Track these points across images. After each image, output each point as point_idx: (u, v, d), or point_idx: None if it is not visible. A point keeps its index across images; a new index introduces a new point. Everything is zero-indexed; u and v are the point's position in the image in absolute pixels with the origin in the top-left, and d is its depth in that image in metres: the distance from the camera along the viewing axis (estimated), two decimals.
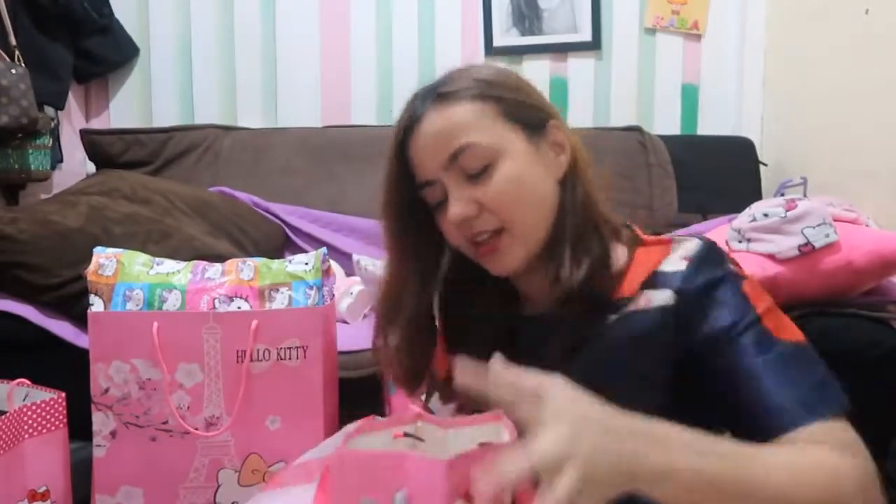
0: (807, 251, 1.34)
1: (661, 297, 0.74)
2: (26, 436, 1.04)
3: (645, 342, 0.73)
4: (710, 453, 0.56)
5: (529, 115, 0.80)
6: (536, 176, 0.78)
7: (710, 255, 0.75)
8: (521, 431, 0.57)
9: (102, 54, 2.29)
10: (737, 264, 0.77)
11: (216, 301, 1.14)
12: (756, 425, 0.66)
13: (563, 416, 0.52)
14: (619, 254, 0.80)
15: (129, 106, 2.40)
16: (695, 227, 1.87)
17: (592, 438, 0.51)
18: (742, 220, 1.47)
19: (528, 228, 0.78)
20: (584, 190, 0.80)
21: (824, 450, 0.62)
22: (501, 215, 0.77)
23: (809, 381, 0.67)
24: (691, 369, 0.72)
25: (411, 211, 0.83)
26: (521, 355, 0.63)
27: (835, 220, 1.39)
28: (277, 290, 1.16)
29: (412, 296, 0.84)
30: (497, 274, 0.80)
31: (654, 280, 0.75)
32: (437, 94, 0.79)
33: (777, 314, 0.72)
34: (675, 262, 0.75)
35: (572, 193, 0.80)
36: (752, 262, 1.35)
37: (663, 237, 0.81)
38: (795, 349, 0.69)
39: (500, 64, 0.83)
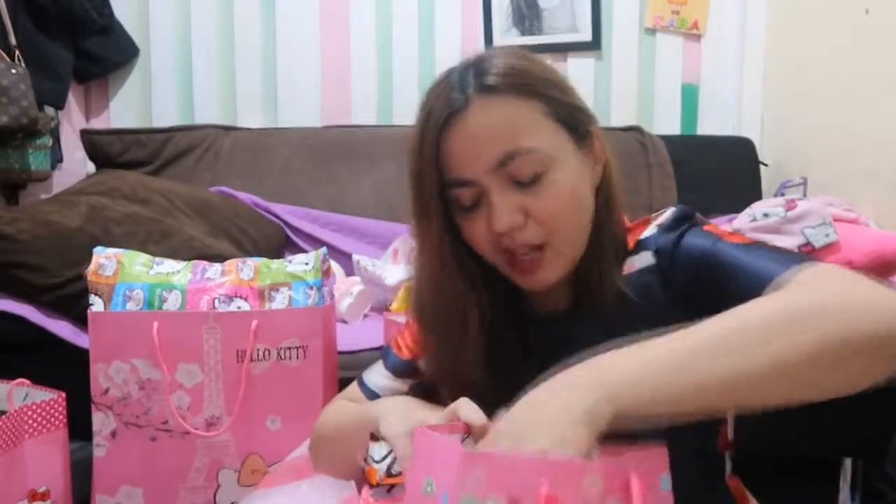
0: (807, 251, 1.34)
1: (643, 259, 0.76)
2: (26, 436, 1.04)
3: (642, 300, 0.74)
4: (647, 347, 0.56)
5: (576, 120, 0.75)
6: (583, 187, 0.74)
7: (679, 216, 0.77)
8: None
9: (102, 54, 2.29)
10: (700, 217, 0.79)
11: (216, 301, 1.14)
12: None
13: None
14: None
15: (129, 106, 2.40)
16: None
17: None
18: (742, 220, 1.48)
19: (571, 243, 0.74)
20: (614, 201, 0.78)
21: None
22: (549, 228, 0.72)
23: (790, 254, 0.68)
24: (692, 300, 0.70)
25: (439, 208, 0.74)
26: (539, 355, 0.63)
27: (835, 220, 1.39)
28: (277, 289, 1.16)
29: (463, 297, 0.76)
30: (531, 289, 0.76)
31: (635, 249, 0.77)
32: (482, 84, 0.71)
33: (738, 236, 0.73)
34: (651, 230, 0.77)
35: (606, 205, 0.77)
36: None
37: (645, 218, 0.82)
38: (764, 244, 0.71)
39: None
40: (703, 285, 0.70)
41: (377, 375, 0.88)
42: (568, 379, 0.56)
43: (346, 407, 0.87)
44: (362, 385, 0.89)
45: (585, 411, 0.53)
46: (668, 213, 0.78)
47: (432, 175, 0.72)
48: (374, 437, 0.72)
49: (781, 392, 0.55)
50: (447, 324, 0.77)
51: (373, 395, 0.87)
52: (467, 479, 0.52)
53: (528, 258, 0.73)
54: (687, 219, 0.77)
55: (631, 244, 0.79)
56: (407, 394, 0.86)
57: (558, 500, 0.50)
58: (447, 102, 0.71)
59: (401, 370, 0.87)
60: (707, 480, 0.80)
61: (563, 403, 0.53)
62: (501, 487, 0.51)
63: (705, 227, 0.75)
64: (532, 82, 0.72)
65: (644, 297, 0.74)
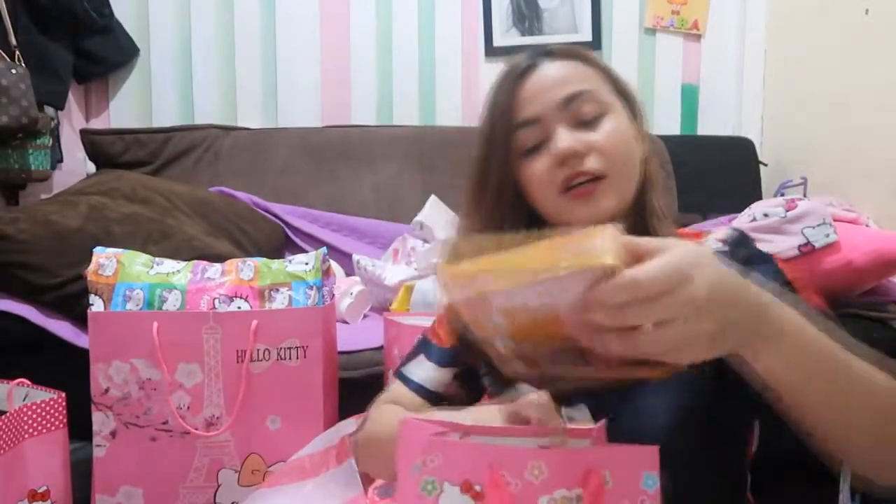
0: (807, 251, 1.34)
1: None
2: (26, 436, 1.04)
3: None
4: (811, 324, 0.57)
5: (629, 97, 0.84)
6: (634, 144, 0.81)
7: (742, 239, 0.82)
8: None
9: (102, 54, 2.29)
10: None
11: (216, 301, 1.14)
12: None
13: (687, 252, 0.51)
14: None
15: (129, 106, 2.40)
16: (695, 227, 1.87)
17: (718, 270, 0.52)
18: (742, 220, 1.47)
19: (625, 182, 0.79)
20: (656, 180, 0.84)
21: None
22: (608, 159, 0.77)
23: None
24: None
25: (504, 167, 0.81)
26: None
27: (835, 220, 1.39)
28: (277, 290, 1.16)
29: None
30: (584, 220, 0.78)
31: None
32: (548, 52, 0.81)
33: (809, 293, 0.76)
34: (713, 243, 0.81)
35: (651, 180, 0.83)
36: None
37: (695, 230, 0.87)
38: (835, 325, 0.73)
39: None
40: None
41: (420, 369, 0.88)
42: (752, 288, 0.55)
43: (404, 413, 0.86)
44: (405, 380, 0.88)
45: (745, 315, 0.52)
46: (727, 231, 0.83)
47: (505, 118, 0.79)
48: None
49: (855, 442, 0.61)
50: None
51: (419, 388, 0.87)
52: (427, 463, 0.56)
53: (586, 186, 0.77)
54: (747, 241, 0.81)
55: None
56: (441, 404, 0.86)
57: (506, 484, 0.55)
58: (518, 65, 0.81)
59: (445, 360, 0.88)
60: (733, 498, 0.80)
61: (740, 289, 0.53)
62: (456, 473, 0.56)
63: (777, 264, 0.78)
64: (590, 58, 0.83)
65: None
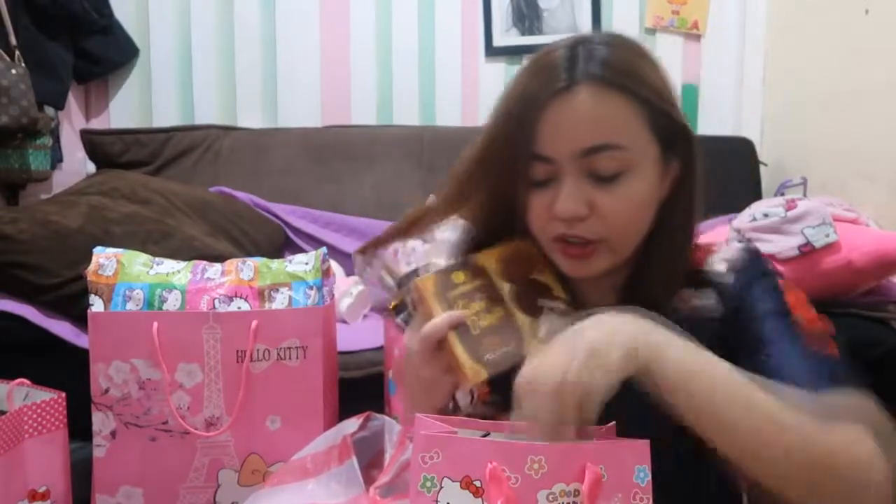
0: (807, 251, 1.35)
1: (704, 298, 0.76)
2: (26, 436, 1.04)
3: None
4: (701, 357, 0.62)
5: (668, 128, 0.74)
6: (652, 197, 0.74)
7: (750, 261, 0.78)
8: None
9: (102, 54, 2.29)
10: (774, 266, 0.79)
11: (216, 301, 1.14)
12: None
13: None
14: None
15: (129, 106, 2.40)
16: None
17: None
18: (742, 220, 1.48)
19: (624, 247, 0.75)
20: (684, 213, 0.77)
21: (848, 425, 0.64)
22: (609, 227, 0.72)
23: (829, 361, 0.70)
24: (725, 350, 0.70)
25: (505, 175, 0.75)
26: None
27: (835, 220, 1.39)
28: (277, 290, 1.16)
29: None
30: (573, 276, 0.76)
31: (693, 278, 0.77)
32: (589, 72, 0.70)
33: (806, 308, 0.74)
34: (717, 263, 0.78)
35: (671, 218, 0.76)
36: None
37: (708, 244, 0.81)
38: (818, 334, 0.72)
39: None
40: (744, 345, 0.73)
41: None
42: (638, 320, 0.62)
43: None
44: None
45: (631, 346, 0.60)
46: (735, 252, 0.78)
47: (520, 142, 0.72)
48: None
49: (759, 468, 0.61)
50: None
51: None
52: (426, 460, 0.57)
53: (579, 247, 0.73)
54: (754, 264, 0.77)
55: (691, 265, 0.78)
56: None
57: (506, 479, 0.56)
58: (553, 78, 0.71)
59: None
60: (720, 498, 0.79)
61: (619, 328, 0.61)
62: (456, 468, 0.57)
63: (777, 284, 0.75)
64: (638, 83, 0.72)
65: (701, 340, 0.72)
